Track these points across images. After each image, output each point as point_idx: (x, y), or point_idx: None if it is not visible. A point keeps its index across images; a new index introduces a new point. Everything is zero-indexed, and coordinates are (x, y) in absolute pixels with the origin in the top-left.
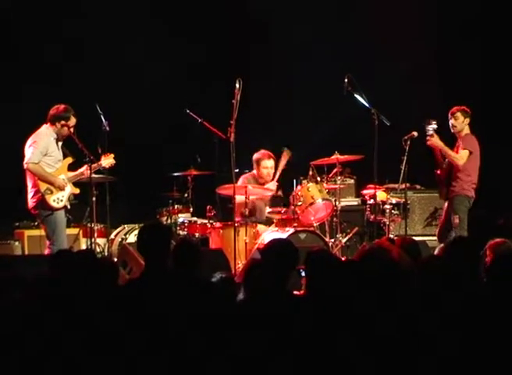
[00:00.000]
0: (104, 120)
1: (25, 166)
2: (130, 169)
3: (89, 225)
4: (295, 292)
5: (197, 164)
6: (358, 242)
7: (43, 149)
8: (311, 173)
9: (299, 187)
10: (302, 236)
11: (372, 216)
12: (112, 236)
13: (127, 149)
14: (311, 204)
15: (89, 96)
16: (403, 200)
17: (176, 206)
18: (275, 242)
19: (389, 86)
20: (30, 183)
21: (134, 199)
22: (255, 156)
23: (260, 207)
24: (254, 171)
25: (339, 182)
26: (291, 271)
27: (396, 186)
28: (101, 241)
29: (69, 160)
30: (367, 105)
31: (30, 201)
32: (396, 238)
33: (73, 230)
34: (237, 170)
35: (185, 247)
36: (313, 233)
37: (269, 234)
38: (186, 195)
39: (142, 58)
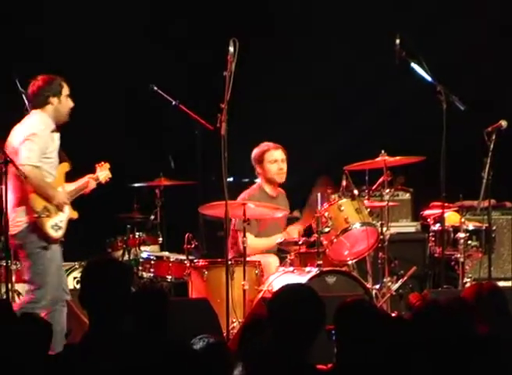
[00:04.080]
0: (27, 103)
1: (22, 168)
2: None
3: (3, 263)
4: (320, 366)
5: (169, 170)
6: (417, 289)
7: (43, 147)
8: (344, 183)
9: (325, 204)
10: (330, 280)
11: (438, 250)
12: None
13: (63, 146)
14: (345, 231)
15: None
16: (486, 225)
17: (137, 234)
18: (289, 289)
19: (464, 50)
20: (13, 196)
21: (73, 223)
22: (255, 152)
23: (271, 234)
24: (259, 179)
25: (387, 197)
26: (315, 334)
27: (474, 203)
28: (21, 287)
29: (66, 167)
30: (429, 79)
31: (12, 225)
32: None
33: None
34: (232, 179)
35: (149, 296)
36: (347, 276)
37: (280, 277)
38: (152, 218)
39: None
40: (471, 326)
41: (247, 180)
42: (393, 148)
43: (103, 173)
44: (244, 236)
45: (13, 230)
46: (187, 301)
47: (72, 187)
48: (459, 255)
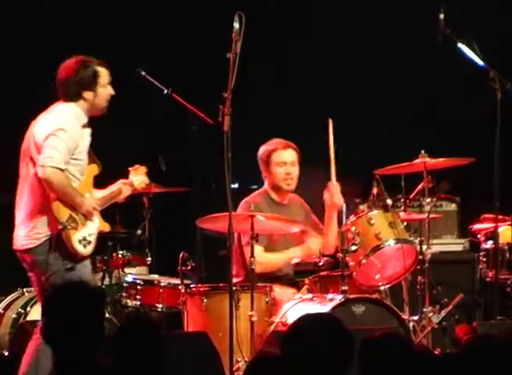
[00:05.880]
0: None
1: (40, 170)
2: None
3: None
4: None
5: (159, 174)
6: (464, 321)
7: (72, 146)
8: (375, 190)
9: (352, 217)
10: (358, 309)
11: (491, 273)
12: (0, 309)
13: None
14: (376, 249)
15: None
16: None
17: (120, 253)
18: (308, 320)
19: None
20: (31, 203)
21: None
22: (261, 151)
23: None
24: (266, 185)
25: (428, 208)
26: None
27: None
28: None
29: (95, 169)
30: (481, 62)
31: (28, 237)
32: None
33: None
34: (237, 185)
35: (134, 329)
36: (378, 305)
37: (296, 307)
38: (139, 233)
39: None
40: None
41: (255, 186)
42: (436, 148)
43: (138, 178)
44: (252, 256)
45: (30, 243)
46: (182, 335)
47: (101, 194)
48: None
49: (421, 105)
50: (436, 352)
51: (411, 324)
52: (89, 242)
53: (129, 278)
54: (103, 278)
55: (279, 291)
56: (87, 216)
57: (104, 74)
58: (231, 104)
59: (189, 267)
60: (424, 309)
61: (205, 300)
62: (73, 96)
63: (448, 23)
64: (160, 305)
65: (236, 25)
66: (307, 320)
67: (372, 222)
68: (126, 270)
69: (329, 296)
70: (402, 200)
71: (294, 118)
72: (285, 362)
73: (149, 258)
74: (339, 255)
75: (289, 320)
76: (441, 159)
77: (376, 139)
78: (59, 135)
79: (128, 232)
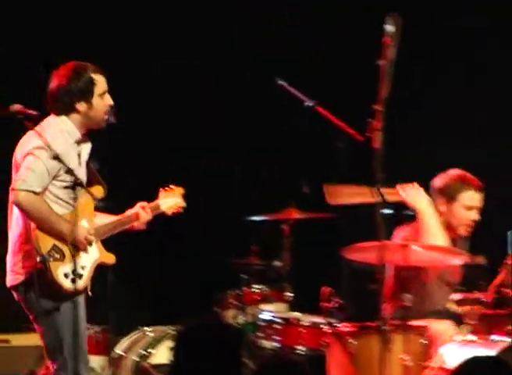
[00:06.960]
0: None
1: (11, 195)
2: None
3: None
4: None
5: (302, 198)
6: None
7: (54, 166)
8: None
9: None
10: None
11: None
12: (120, 351)
13: (139, 163)
14: None
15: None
16: None
17: (256, 287)
18: (474, 365)
19: None
20: (17, 232)
21: (165, 274)
22: (447, 182)
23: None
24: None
25: None
26: None
27: None
28: (95, 360)
29: (100, 191)
30: None
31: (13, 273)
32: None
33: (34, 338)
34: (390, 211)
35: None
36: None
37: (456, 350)
38: (277, 264)
39: None
40: None
41: (412, 212)
42: None
43: (170, 200)
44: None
45: (13, 279)
46: None
47: (108, 219)
48: None
49: None
50: None
51: None
52: (80, 276)
53: (265, 316)
54: (236, 316)
55: (437, 326)
56: (79, 246)
57: (100, 82)
58: (383, 117)
59: (334, 304)
60: None
61: (353, 342)
62: (65, 108)
63: None
64: (301, 347)
65: (390, 28)
66: (473, 364)
67: None
68: (263, 307)
69: (494, 338)
70: None
71: (459, 134)
72: None
73: (289, 294)
74: (506, 290)
75: (448, 365)
76: None
77: None
78: (38, 154)
79: (265, 264)
